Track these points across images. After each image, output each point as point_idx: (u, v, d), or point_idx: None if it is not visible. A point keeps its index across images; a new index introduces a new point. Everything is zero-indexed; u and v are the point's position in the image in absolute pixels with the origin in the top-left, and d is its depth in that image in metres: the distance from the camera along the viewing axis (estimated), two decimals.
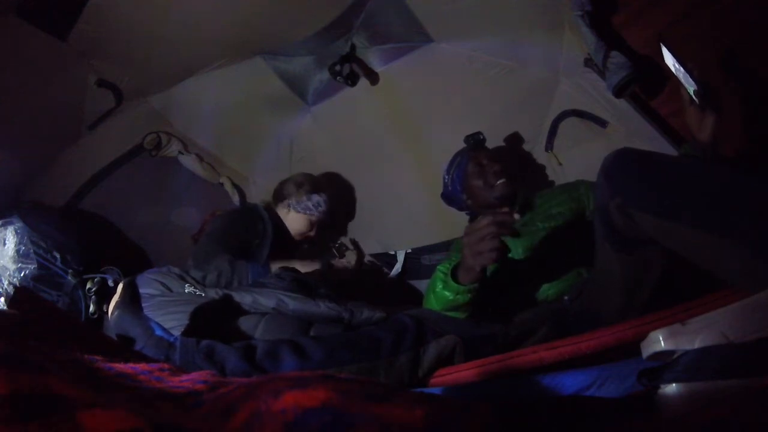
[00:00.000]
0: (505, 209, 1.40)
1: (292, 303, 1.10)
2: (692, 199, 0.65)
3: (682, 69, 0.91)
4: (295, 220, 1.69)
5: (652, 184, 0.69)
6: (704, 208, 0.64)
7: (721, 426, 0.38)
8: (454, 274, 1.02)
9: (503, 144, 1.70)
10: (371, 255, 2.01)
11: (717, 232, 0.62)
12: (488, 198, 1.39)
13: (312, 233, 1.72)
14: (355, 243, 2.00)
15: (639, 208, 0.70)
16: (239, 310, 1.11)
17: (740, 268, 0.62)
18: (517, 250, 1.28)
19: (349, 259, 1.76)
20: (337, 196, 1.95)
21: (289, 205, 1.70)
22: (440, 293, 1.04)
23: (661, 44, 0.94)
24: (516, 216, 0.92)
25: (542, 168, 1.71)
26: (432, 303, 1.07)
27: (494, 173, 1.39)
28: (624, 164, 0.73)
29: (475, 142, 1.48)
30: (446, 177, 1.51)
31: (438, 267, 1.07)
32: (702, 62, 1.02)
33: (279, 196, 1.73)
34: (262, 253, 1.51)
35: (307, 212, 1.69)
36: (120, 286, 0.97)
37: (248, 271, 1.33)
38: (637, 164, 0.71)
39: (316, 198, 1.70)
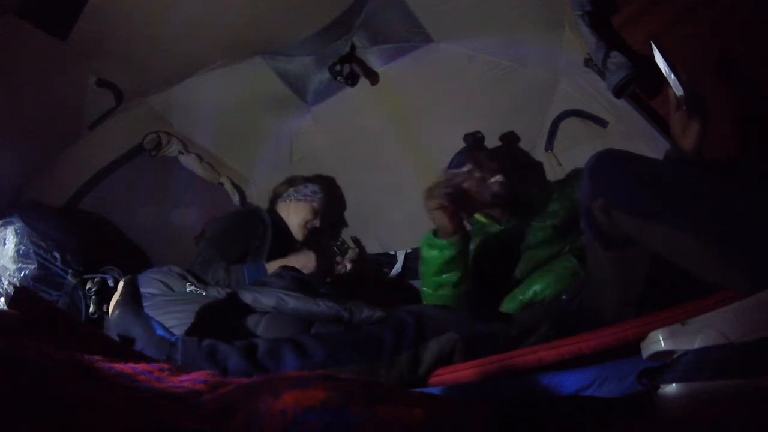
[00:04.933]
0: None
1: (292, 302, 1.10)
2: (668, 201, 0.67)
3: (671, 72, 0.91)
4: (298, 208, 1.72)
5: (631, 184, 0.71)
6: (680, 210, 0.66)
7: (721, 426, 0.38)
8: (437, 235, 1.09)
9: (501, 143, 1.70)
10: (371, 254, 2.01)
11: (691, 232, 0.64)
12: (483, 195, 1.40)
13: (316, 222, 1.74)
14: (356, 241, 2.00)
15: (620, 209, 0.72)
16: (245, 309, 1.12)
17: (712, 269, 0.64)
18: (512, 246, 1.29)
19: (351, 256, 1.77)
20: (335, 195, 1.95)
21: (289, 196, 1.73)
22: (428, 255, 1.11)
23: (653, 44, 0.93)
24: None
25: (540, 165, 1.70)
26: (424, 273, 1.14)
27: (491, 170, 1.40)
28: (605, 165, 0.75)
29: (474, 140, 1.49)
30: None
31: (423, 237, 1.13)
32: (703, 63, 1.03)
33: (276, 196, 1.77)
34: (262, 254, 1.52)
35: (308, 198, 1.73)
36: (120, 284, 0.97)
37: (245, 275, 1.33)
38: (619, 166, 0.74)
39: (311, 186, 1.76)
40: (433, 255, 1.10)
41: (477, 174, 1.09)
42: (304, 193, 1.74)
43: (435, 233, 1.11)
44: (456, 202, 1.06)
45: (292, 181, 1.79)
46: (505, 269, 1.28)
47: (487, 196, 1.39)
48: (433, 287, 1.13)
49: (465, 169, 1.09)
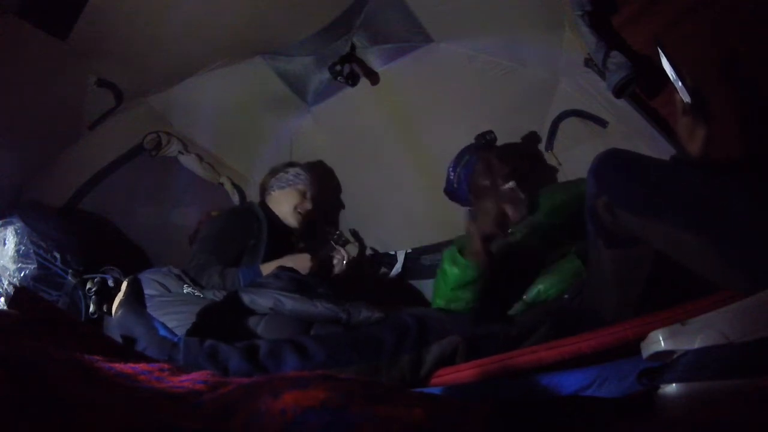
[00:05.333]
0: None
1: (289, 303, 1.10)
2: (670, 200, 0.68)
3: (678, 78, 0.91)
4: (283, 197, 1.68)
5: (636, 184, 0.72)
6: (681, 209, 0.67)
7: (721, 426, 0.38)
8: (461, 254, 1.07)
9: (511, 143, 1.69)
10: (371, 252, 2.01)
11: (692, 231, 0.64)
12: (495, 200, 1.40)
13: (308, 205, 1.70)
14: (355, 233, 1.99)
15: (624, 207, 0.72)
16: (244, 310, 1.11)
17: (713, 268, 0.64)
18: (518, 248, 1.28)
19: (350, 251, 1.76)
20: (334, 192, 1.95)
21: (272, 187, 1.70)
22: (449, 271, 1.09)
23: (659, 50, 0.94)
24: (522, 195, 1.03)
25: (549, 167, 1.70)
26: (440, 286, 1.12)
27: (503, 176, 1.38)
28: (610, 165, 0.76)
29: (487, 141, 1.47)
30: (452, 173, 1.51)
31: (444, 252, 1.12)
32: (703, 62, 1.02)
33: (263, 190, 1.74)
34: (259, 252, 1.51)
35: (290, 183, 1.69)
36: (124, 284, 0.97)
37: (239, 279, 1.33)
38: (623, 165, 0.74)
39: (293, 170, 1.72)
40: (454, 272, 1.09)
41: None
42: (286, 180, 1.70)
43: (460, 250, 1.09)
44: (502, 228, 1.05)
45: (273, 170, 1.74)
46: (510, 270, 1.27)
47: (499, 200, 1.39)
48: (446, 301, 1.12)
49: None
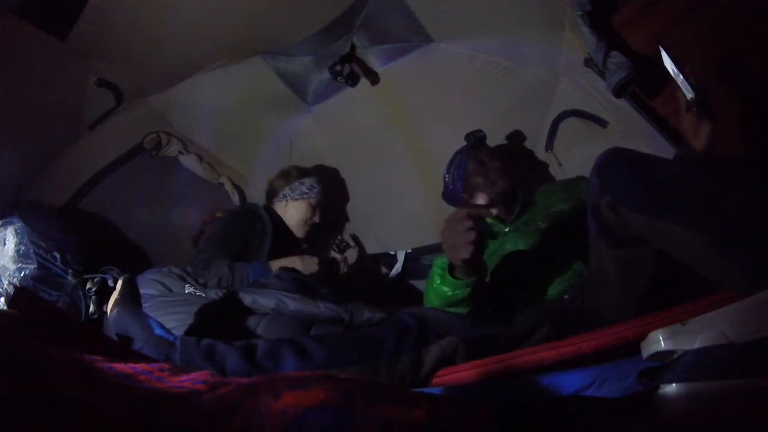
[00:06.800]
0: (486, 204, 1.38)
1: (292, 303, 1.10)
2: (673, 198, 0.67)
3: (680, 75, 0.91)
4: (295, 208, 1.69)
5: (640, 183, 0.72)
6: (683, 207, 0.66)
7: (721, 426, 0.38)
8: (451, 269, 1.02)
9: (504, 143, 1.70)
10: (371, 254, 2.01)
11: (693, 229, 0.64)
12: (489, 196, 1.39)
13: (316, 218, 1.71)
14: (355, 238, 2.00)
15: (627, 206, 0.72)
16: (244, 309, 1.11)
17: (714, 267, 0.64)
18: (518, 247, 1.28)
19: (350, 255, 1.77)
20: (335, 194, 1.95)
21: (285, 196, 1.69)
22: (438, 289, 1.05)
23: (660, 47, 0.94)
24: (493, 211, 0.89)
25: (543, 165, 1.71)
26: (431, 299, 1.08)
27: (495, 172, 1.39)
28: (614, 163, 0.76)
29: (476, 140, 1.48)
30: (447, 175, 1.51)
31: (435, 262, 1.08)
32: (703, 62, 1.03)
33: (272, 193, 1.73)
34: (262, 253, 1.51)
35: (305, 196, 1.69)
36: (119, 283, 0.97)
37: (248, 272, 1.33)
38: (627, 164, 0.74)
39: (308, 181, 1.71)
40: (444, 291, 1.04)
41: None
42: (300, 191, 1.69)
43: (450, 267, 1.02)
44: (481, 245, 0.95)
45: (286, 174, 1.73)
46: (511, 271, 1.27)
47: (492, 196, 1.39)
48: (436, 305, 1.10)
49: (478, 202, 0.98)
